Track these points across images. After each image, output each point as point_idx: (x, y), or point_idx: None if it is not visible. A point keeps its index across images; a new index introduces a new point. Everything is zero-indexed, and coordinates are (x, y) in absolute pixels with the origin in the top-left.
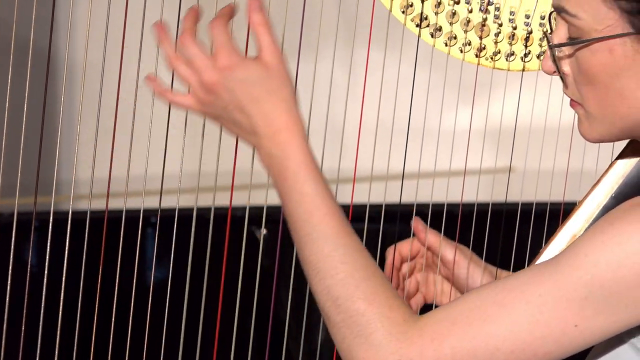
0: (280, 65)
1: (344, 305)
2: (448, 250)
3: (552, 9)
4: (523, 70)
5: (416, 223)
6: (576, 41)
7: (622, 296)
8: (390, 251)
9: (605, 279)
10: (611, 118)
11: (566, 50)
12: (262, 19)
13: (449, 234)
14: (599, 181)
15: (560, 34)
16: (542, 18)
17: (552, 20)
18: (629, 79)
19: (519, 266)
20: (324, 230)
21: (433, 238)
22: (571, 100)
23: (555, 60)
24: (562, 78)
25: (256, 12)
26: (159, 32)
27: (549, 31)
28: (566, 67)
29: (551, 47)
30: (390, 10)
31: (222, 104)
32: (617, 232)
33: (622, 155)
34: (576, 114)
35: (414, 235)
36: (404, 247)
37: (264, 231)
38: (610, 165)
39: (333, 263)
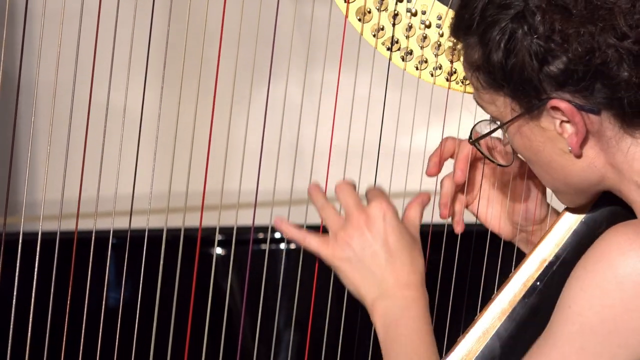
0: (418, 237)
1: None
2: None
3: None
4: None
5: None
6: (491, 130)
7: (613, 335)
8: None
9: (594, 324)
10: (562, 187)
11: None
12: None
13: None
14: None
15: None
16: None
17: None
18: (550, 152)
19: (487, 289)
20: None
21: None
22: None
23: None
24: None
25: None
26: (313, 190)
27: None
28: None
29: (475, 138)
30: (362, 34)
31: (365, 242)
32: (592, 275)
33: None
34: None
35: None
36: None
37: (233, 250)
38: None
39: None
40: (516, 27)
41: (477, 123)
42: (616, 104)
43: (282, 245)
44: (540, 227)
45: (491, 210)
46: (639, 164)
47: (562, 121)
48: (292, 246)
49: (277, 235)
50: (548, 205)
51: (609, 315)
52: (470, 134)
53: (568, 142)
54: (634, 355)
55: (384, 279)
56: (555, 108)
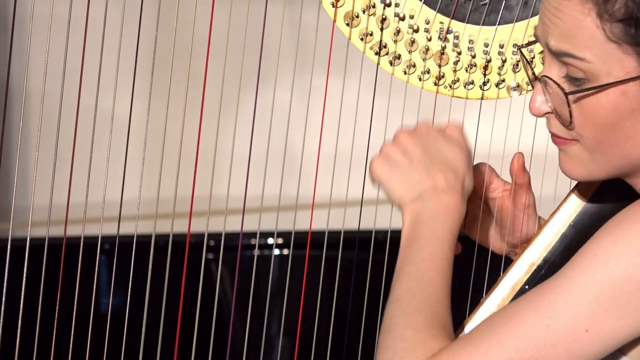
0: (469, 151)
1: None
2: (531, 197)
3: (523, 46)
4: (482, 98)
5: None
6: (594, 86)
7: (631, 296)
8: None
9: (615, 277)
10: (610, 157)
11: (560, 96)
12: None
13: None
14: (557, 209)
15: (554, 74)
16: (501, 47)
17: (524, 56)
18: (637, 119)
19: (476, 293)
20: (425, 277)
21: (525, 179)
22: (558, 138)
23: (548, 100)
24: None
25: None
26: None
27: (527, 67)
28: (561, 107)
29: (566, 93)
30: (350, 38)
31: (406, 148)
32: (627, 232)
33: (581, 183)
34: (560, 150)
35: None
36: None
37: (221, 256)
38: (569, 194)
39: (411, 302)
40: None
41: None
42: None
43: (272, 251)
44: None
45: (481, 228)
46: None
47: None
48: (282, 252)
49: (268, 240)
50: (536, 223)
51: (634, 275)
52: (535, 77)
53: None
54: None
55: (422, 182)
56: None
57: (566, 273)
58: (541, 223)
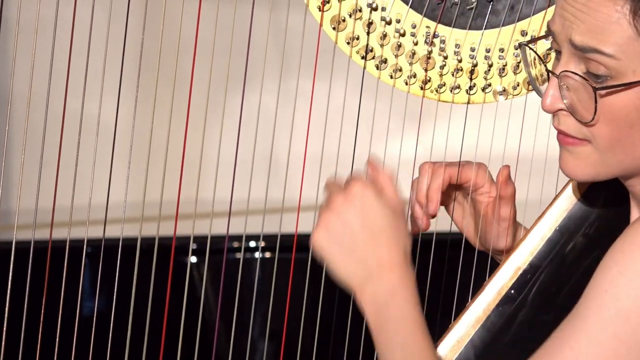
0: (403, 211)
1: None
2: (513, 210)
3: (527, 43)
4: (468, 103)
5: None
6: (623, 83)
7: None
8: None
9: (629, 309)
10: (622, 158)
11: (584, 90)
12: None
13: None
14: (543, 214)
15: (572, 70)
16: (488, 51)
17: (529, 52)
18: None
19: (462, 297)
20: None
21: (510, 192)
22: (567, 137)
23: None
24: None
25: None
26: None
27: (533, 64)
28: (584, 103)
29: (595, 88)
30: (336, 42)
31: (343, 223)
32: (631, 260)
33: (566, 188)
34: (565, 150)
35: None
36: (453, 172)
37: (207, 260)
38: (555, 198)
39: None
40: None
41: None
42: None
43: (257, 254)
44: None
45: (465, 222)
46: None
47: None
48: (267, 255)
49: (252, 244)
50: (516, 234)
51: None
52: (548, 73)
53: None
54: None
55: (366, 260)
56: None
57: (581, 314)
58: (524, 231)
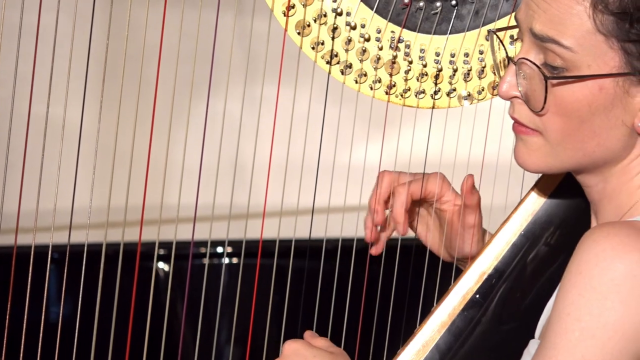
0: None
1: None
2: (479, 218)
3: (495, 30)
4: (433, 107)
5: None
6: (575, 75)
7: (613, 341)
8: (401, 190)
9: (593, 328)
10: (572, 152)
11: (538, 79)
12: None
13: (358, 269)
14: (508, 219)
15: (531, 58)
16: (452, 56)
17: (495, 41)
18: (608, 117)
19: (427, 301)
20: None
21: (474, 201)
22: (521, 126)
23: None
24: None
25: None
26: None
27: (496, 51)
28: (536, 92)
29: (546, 77)
30: (301, 47)
31: None
32: (588, 278)
33: (531, 193)
34: (518, 139)
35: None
36: (416, 187)
37: (172, 265)
38: (520, 203)
39: None
40: None
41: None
42: None
43: (222, 260)
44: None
45: (430, 235)
46: None
47: None
48: (233, 260)
49: (218, 249)
50: (482, 240)
51: (609, 319)
52: (508, 59)
53: None
54: None
55: None
56: None
57: (549, 340)
58: (489, 236)
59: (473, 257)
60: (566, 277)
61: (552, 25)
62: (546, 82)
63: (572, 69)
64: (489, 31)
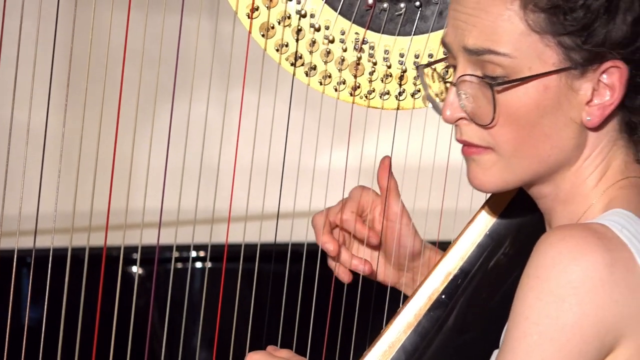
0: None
1: None
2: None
3: (444, 50)
4: (397, 109)
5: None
6: (518, 78)
7: (571, 343)
8: (319, 218)
9: (551, 331)
10: (528, 161)
11: (482, 92)
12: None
13: (323, 273)
14: (473, 219)
15: (469, 77)
16: (417, 57)
17: (428, 74)
18: (556, 117)
19: (393, 302)
20: None
21: (392, 183)
22: (471, 147)
23: (463, 104)
24: (457, 124)
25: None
26: None
27: (430, 82)
28: (483, 106)
29: (492, 84)
30: (265, 49)
31: None
32: (546, 282)
33: (496, 193)
34: (470, 161)
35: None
36: (333, 214)
37: (138, 269)
38: (485, 203)
39: None
40: None
41: (425, 64)
42: None
43: (189, 264)
44: (423, 264)
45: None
46: (617, 164)
47: (594, 90)
48: (199, 265)
49: (185, 254)
50: (421, 239)
51: (567, 321)
52: (445, 82)
53: (592, 111)
54: None
55: None
56: (613, 68)
57: (509, 345)
58: (423, 243)
59: (438, 260)
60: (523, 280)
61: (485, 37)
62: (492, 90)
63: (514, 75)
64: (417, 67)
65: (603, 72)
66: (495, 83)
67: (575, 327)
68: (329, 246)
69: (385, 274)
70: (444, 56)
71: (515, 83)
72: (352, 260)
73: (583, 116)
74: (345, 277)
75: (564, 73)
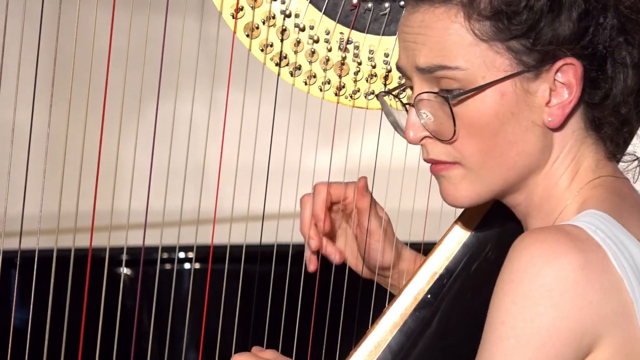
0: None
1: None
2: (374, 221)
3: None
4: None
5: (362, 184)
6: (473, 88)
7: (548, 346)
8: (321, 189)
9: (527, 335)
10: (497, 170)
11: (440, 107)
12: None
13: (308, 274)
14: (458, 219)
15: (426, 95)
16: None
17: (388, 101)
18: (518, 122)
19: (379, 302)
20: None
21: (365, 204)
22: (439, 164)
23: (424, 124)
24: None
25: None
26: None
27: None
28: (443, 120)
29: (447, 98)
30: (250, 50)
31: None
32: (520, 286)
33: None
34: (440, 178)
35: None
36: (337, 190)
37: (125, 271)
38: None
39: None
40: None
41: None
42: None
43: (174, 265)
44: (399, 273)
45: (349, 248)
46: (587, 163)
47: (551, 90)
48: (185, 266)
49: (171, 255)
50: (392, 254)
51: (542, 324)
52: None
53: (552, 111)
54: None
55: None
56: (566, 66)
57: (486, 350)
58: (399, 248)
59: (424, 260)
60: (499, 285)
61: (435, 53)
62: (449, 103)
63: (469, 86)
64: (377, 95)
65: (557, 71)
66: (451, 96)
67: (552, 329)
68: (313, 242)
69: (357, 266)
70: (401, 83)
71: (470, 93)
72: (327, 247)
73: (544, 118)
74: (311, 265)
75: (517, 77)
